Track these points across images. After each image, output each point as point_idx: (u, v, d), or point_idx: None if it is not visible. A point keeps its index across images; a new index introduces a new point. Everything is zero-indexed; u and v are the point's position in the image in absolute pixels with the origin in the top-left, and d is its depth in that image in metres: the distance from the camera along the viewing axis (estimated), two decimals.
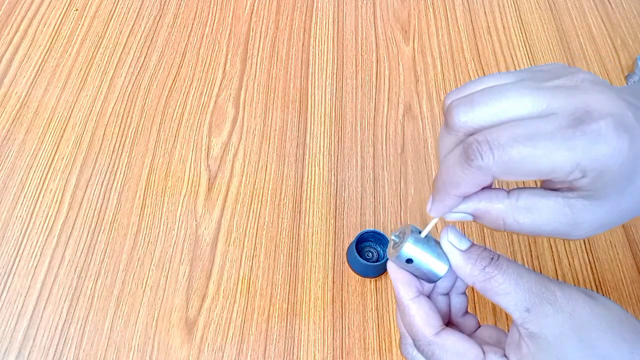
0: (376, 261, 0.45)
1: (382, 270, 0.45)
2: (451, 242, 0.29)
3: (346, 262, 0.46)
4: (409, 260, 0.29)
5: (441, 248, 0.30)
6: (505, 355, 0.28)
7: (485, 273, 0.28)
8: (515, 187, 0.28)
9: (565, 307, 0.26)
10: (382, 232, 0.45)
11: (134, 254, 0.46)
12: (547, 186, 0.27)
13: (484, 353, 0.29)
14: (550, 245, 0.47)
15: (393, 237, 0.31)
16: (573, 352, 0.25)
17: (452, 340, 0.29)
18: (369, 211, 0.49)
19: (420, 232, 0.30)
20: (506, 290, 0.27)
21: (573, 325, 0.26)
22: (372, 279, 0.45)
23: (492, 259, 0.28)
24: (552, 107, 0.24)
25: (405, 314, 0.30)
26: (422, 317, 0.29)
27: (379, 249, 0.46)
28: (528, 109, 0.25)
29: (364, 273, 0.45)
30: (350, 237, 0.48)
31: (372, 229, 0.45)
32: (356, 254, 0.44)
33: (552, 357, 0.26)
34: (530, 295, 0.27)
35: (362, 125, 0.55)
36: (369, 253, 0.46)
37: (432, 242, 0.30)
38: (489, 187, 0.27)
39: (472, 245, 0.29)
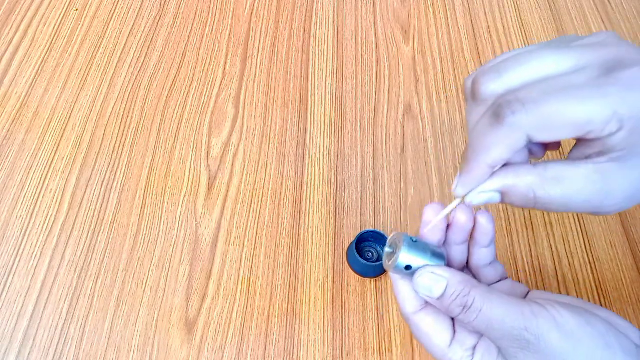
0: (376, 261, 0.45)
1: (382, 270, 0.45)
2: (424, 292, 0.29)
3: (346, 262, 0.46)
4: (408, 267, 0.29)
5: (435, 246, 0.30)
6: (473, 347, 0.29)
7: (458, 320, 0.28)
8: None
9: (537, 346, 0.26)
10: (382, 232, 0.45)
11: (134, 254, 0.46)
12: (575, 157, 0.26)
13: (452, 340, 0.30)
14: (550, 245, 0.48)
15: (387, 249, 0.31)
16: None
17: (426, 322, 0.30)
18: (369, 211, 0.49)
19: (412, 239, 0.30)
20: (480, 332, 0.28)
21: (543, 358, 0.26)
22: (372, 279, 0.45)
23: (464, 307, 0.28)
24: (581, 62, 0.24)
25: (394, 288, 0.32)
26: (404, 294, 0.31)
27: (379, 248, 0.46)
28: (556, 68, 0.24)
29: (364, 273, 0.45)
30: (350, 237, 0.48)
31: (372, 229, 0.45)
32: (356, 254, 0.44)
33: None
34: (501, 341, 0.27)
35: (362, 125, 0.55)
36: (369, 253, 0.46)
37: (424, 244, 0.30)
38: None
39: (445, 290, 0.28)
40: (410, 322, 0.31)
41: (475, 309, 0.27)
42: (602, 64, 0.23)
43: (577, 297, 0.45)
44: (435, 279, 0.28)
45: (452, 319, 0.31)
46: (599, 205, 0.25)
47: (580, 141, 0.26)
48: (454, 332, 0.31)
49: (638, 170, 0.24)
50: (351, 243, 0.45)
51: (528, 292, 0.33)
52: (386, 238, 0.44)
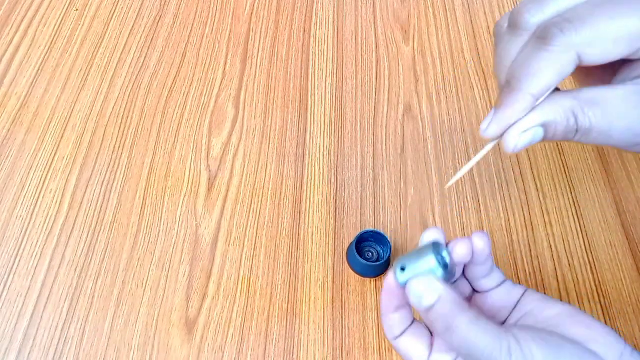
0: (376, 261, 0.45)
1: (382, 270, 0.45)
2: (414, 299, 0.29)
3: (346, 262, 0.46)
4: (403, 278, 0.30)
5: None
6: None
7: (439, 337, 0.29)
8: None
9: None
10: (382, 231, 0.45)
11: (134, 254, 0.46)
12: (617, 82, 0.25)
13: (429, 354, 0.32)
14: (550, 245, 0.48)
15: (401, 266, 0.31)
16: None
17: (405, 345, 0.33)
18: (369, 211, 0.49)
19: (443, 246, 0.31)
20: (458, 353, 0.29)
21: None
22: (372, 279, 0.45)
23: (447, 328, 0.28)
24: None
25: (382, 315, 0.34)
26: (390, 322, 0.33)
27: (379, 248, 0.46)
28: None
29: (364, 273, 0.45)
30: (350, 237, 0.48)
31: (372, 228, 0.45)
32: (356, 254, 0.44)
33: None
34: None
35: (362, 125, 0.55)
36: (369, 253, 0.46)
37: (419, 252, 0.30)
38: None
39: (434, 305, 0.29)
40: (393, 345, 0.34)
41: (458, 334, 0.28)
42: None
43: (575, 294, 0.45)
44: (428, 291, 0.29)
45: (430, 341, 0.33)
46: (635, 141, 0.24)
47: (623, 66, 0.25)
48: (431, 350, 0.33)
49: None
50: (351, 243, 0.45)
51: (525, 292, 0.34)
52: (386, 238, 0.44)
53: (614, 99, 0.24)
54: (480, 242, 0.31)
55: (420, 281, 0.29)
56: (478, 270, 0.33)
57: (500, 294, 0.34)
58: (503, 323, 0.34)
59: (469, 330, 0.28)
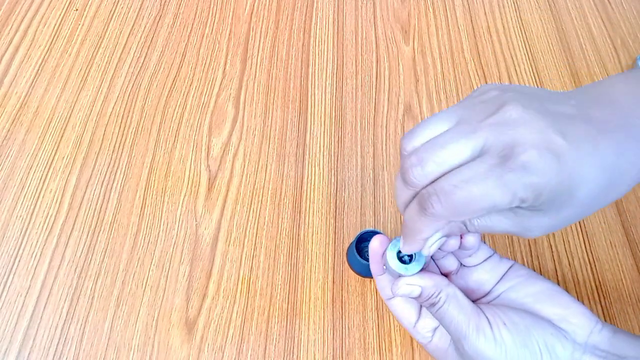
0: None
1: None
2: (405, 295, 0.35)
3: (346, 262, 0.46)
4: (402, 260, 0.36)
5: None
6: (434, 329, 0.37)
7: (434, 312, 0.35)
8: None
9: (470, 357, 0.33)
10: (381, 231, 0.45)
11: (134, 254, 0.46)
12: None
13: (416, 321, 0.38)
14: (550, 245, 0.48)
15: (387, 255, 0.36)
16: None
17: (397, 306, 0.38)
18: (369, 211, 0.49)
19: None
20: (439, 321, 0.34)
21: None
22: (372, 279, 0.45)
23: (432, 304, 0.35)
24: (486, 146, 0.27)
25: (376, 281, 0.40)
26: (381, 284, 0.39)
27: None
28: (467, 154, 0.28)
29: (364, 273, 0.45)
30: (350, 237, 0.48)
31: (371, 228, 0.45)
32: (356, 254, 0.44)
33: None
34: (451, 334, 0.34)
35: (362, 125, 0.55)
36: (368, 253, 0.46)
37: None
38: None
39: (421, 293, 0.35)
40: (387, 304, 0.39)
41: (439, 306, 0.34)
42: (501, 149, 0.27)
43: (575, 294, 0.45)
44: (411, 289, 0.35)
45: (419, 307, 0.38)
46: (519, 235, 0.31)
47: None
48: (419, 315, 0.38)
49: (549, 217, 0.28)
50: (351, 243, 0.45)
51: (511, 266, 0.38)
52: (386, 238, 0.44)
53: (498, 216, 0.31)
54: (471, 239, 0.35)
55: (402, 287, 0.35)
56: (464, 252, 0.37)
57: (486, 268, 0.37)
58: (487, 295, 0.37)
59: (448, 303, 0.34)
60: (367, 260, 0.45)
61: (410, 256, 0.36)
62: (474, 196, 0.27)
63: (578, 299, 0.45)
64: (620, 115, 0.28)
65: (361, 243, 0.45)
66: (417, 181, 0.29)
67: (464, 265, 0.38)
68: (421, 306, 0.38)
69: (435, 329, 0.37)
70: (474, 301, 0.35)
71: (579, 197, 0.27)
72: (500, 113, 0.28)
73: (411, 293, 0.35)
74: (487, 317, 0.33)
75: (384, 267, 0.38)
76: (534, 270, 0.38)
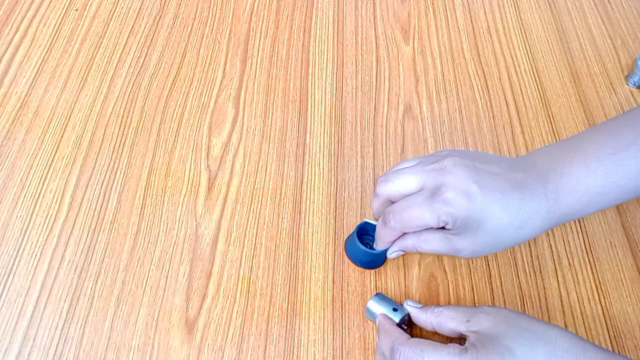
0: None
1: (382, 260, 0.45)
2: (410, 304, 0.42)
3: (346, 262, 0.46)
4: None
5: (398, 304, 0.43)
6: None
7: (435, 313, 0.41)
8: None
9: (492, 312, 0.38)
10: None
11: (134, 254, 0.46)
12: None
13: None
14: (550, 245, 0.48)
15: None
16: (506, 332, 0.36)
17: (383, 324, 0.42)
18: (369, 211, 0.49)
19: (381, 295, 0.43)
20: (451, 315, 0.40)
21: (502, 319, 0.37)
22: (373, 279, 0.45)
23: (434, 308, 0.41)
24: (426, 183, 0.39)
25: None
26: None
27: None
28: (414, 186, 0.40)
29: (364, 262, 0.45)
30: None
31: (370, 220, 0.45)
32: (357, 241, 0.44)
33: (492, 340, 0.35)
34: (467, 314, 0.39)
35: (362, 125, 0.55)
36: (368, 246, 0.45)
37: (389, 300, 0.43)
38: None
39: (423, 306, 0.42)
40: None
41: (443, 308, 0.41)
42: (433, 187, 0.39)
43: (575, 294, 0.45)
44: (415, 302, 0.43)
45: None
46: (453, 254, 0.41)
47: None
48: None
49: (468, 240, 0.39)
50: (351, 234, 0.45)
51: None
52: None
53: (435, 240, 0.42)
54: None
55: (410, 301, 0.43)
56: None
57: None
58: None
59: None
60: (369, 247, 0.45)
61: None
62: (413, 215, 0.39)
63: (578, 299, 0.45)
64: (534, 175, 0.39)
65: (361, 236, 0.45)
66: (381, 192, 0.42)
67: None
68: None
69: None
70: None
71: (487, 227, 0.38)
72: (439, 163, 0.39)
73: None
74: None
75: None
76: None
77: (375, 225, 0.44)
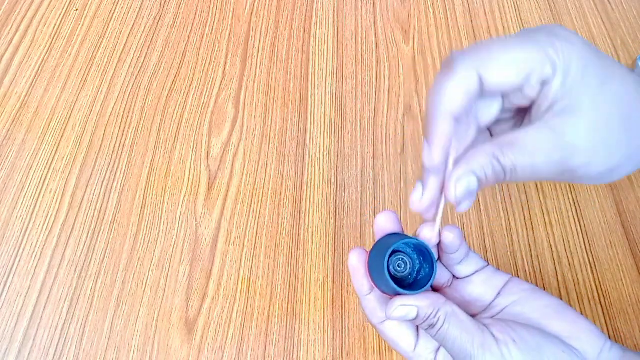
0: (409, 278, 0.32)
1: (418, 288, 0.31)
2: (400, 318, 0.31)
3: (346, 262, 0.46)
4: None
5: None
6: (436, 350, 0.33)
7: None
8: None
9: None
10: (425, 243, 0.31)
11: (134, 254, 0.46)
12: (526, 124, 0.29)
13: (416, 344, 0.33)
14: (550, 245, 0.48)
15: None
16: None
17: (391, 330, 0.33)
18: (369, 211, 0.49)
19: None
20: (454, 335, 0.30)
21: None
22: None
23: (430, 325, 0.31)
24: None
25: (361, 303, 0.34)
26: (370, 308, 0.33)
27: (414, 260, 0.32)
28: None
29: (390, 292, 0.31)
30: (351, 238, 0.47)
31: (414, 238, 0.31)
32: (386, 273, 0.30)
33: None
34: (454, 356, 0.30)
35: (362, 125, 0.55)
36: (398, 265, 0.32)
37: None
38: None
39: (417, 315, 0.31)
40: (377, 329, 0.34)
41: (439, 327, 0.30)
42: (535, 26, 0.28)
43: (575, 294, 0.45)
44: (407, 310, 0.30)
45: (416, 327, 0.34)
46: (566, 162, 0.27)
47: (531, 111, 0.29)
48: (418, 336, 0.33)
49: (584, 119, 0.26)
50: (379, 251, 0.32)
51: (509, 280, 0.35)
52: (430, 254, 0.31)
53: (527, 137, 0.27)
54: (449, 235, 0.32)
55: (398, 309, 0.30)
56: (451, 258, 0.34)
57: (480, 279, 0.35)
58: (485, 309, 0.34)
59: (448, 322, 0.30)
60: (397, 272, 0.32)
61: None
62: (508, 47, 0.27)
63: (578, 299, 0.45)
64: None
65: (391, 254, 0.32)
66: (457, 58, 0.29)
67: (456, 278, 0.35)
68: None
69: (438, 349, 0.33)
70: (473, 316, 0.32)
71: (610, 89, 0.27)
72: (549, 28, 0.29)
73: (407, 315, 0.30)
74: (492, 334, 0.30)
75: (372, 285, 0.32)
76: (536, 285, 0.36)
77: (413, 241, 0.31)
